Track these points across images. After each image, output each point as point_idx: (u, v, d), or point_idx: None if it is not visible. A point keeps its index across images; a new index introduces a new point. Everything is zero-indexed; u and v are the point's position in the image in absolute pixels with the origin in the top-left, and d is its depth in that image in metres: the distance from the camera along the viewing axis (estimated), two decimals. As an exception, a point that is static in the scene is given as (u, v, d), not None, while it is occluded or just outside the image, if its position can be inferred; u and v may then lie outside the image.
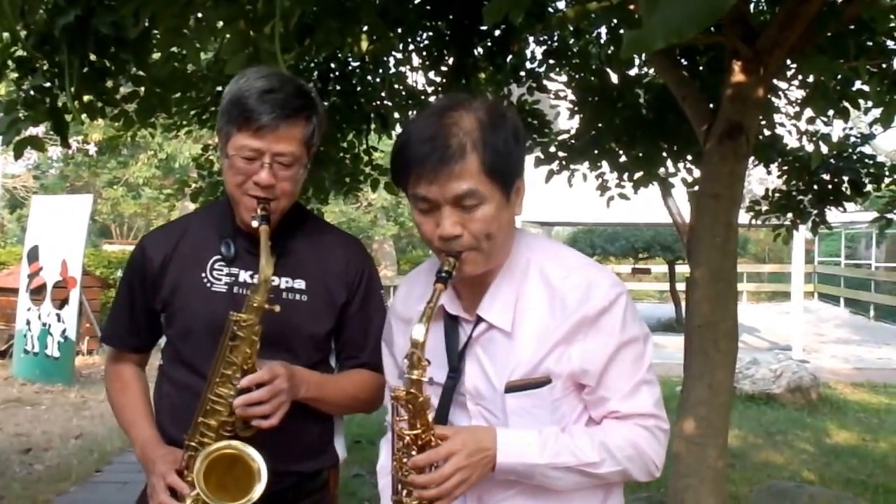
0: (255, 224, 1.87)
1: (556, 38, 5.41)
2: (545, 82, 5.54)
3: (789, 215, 6.24)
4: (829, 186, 5.83)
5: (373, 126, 5.60)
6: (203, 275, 2.01)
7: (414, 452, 1.63)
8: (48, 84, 3.37)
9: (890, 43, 4.09)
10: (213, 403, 1.83)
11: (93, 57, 3.32)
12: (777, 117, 5.67)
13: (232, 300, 1.94)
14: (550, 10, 4.60)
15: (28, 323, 10.36)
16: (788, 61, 4.37)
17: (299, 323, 2.00)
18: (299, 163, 1.92)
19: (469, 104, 1.65)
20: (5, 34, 3.26)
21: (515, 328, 1.68)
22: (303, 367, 1.97)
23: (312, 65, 5.22)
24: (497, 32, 4.97)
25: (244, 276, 2.00)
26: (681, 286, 14.85)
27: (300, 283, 2.02)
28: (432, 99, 5.59)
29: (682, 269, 15.99)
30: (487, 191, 1.60)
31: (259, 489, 1.78)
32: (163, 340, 2.17)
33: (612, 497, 1.79)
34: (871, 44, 3.95)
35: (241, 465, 1.82)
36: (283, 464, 1.88)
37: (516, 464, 1.64)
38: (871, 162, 5.79)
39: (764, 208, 6.36)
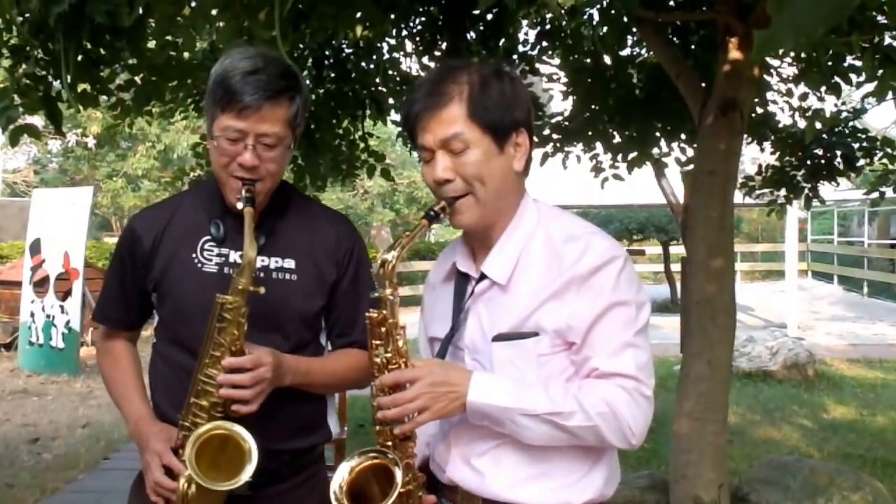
0: (239, 206, 1.85)
1: (548, 20, 5.41)
2: (538, 65, 5.56)
3: (783, 191, 6.28)
4: (822, 161, 5.86)
5: (368, 112, 5.61)
6: (193, 255, 1.99)
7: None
8: (42, 72, 3.37)
9: (881, 18, 4.10)
10: (204, 384, 1.82)
11: (88, 45, 3.32)
12: (769, 95, 5.70)
13: (222, 280, 1.90)
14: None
15: (32, 315, 10.35)
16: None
17: (290, 302, 1.99)
18: (283, 143, 1.91)
19: (470, 63, 1.80)
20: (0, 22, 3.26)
21: (512, 282, 1.73)
22: (294, 345, 1.96)
23: (307, 51, 5.23)
24: (489, 16, 4.98)
25: (234, 256, 1.98)
26: (675, 267, 14.91)
27: (290, 263, 2.01)
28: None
29: (677, 249, 16.03)
30: (474, 136, 1.69)
31: (249, 469, 1.77)
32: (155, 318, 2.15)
33: (598, 469, 1.76)
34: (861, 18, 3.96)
35: (232, 445, 1.81)
36: (277, 442, 1.86)
37: (485, 405, 1.66)
38: (863, 136, 5.81)
39: (757, 184, 6.39)
